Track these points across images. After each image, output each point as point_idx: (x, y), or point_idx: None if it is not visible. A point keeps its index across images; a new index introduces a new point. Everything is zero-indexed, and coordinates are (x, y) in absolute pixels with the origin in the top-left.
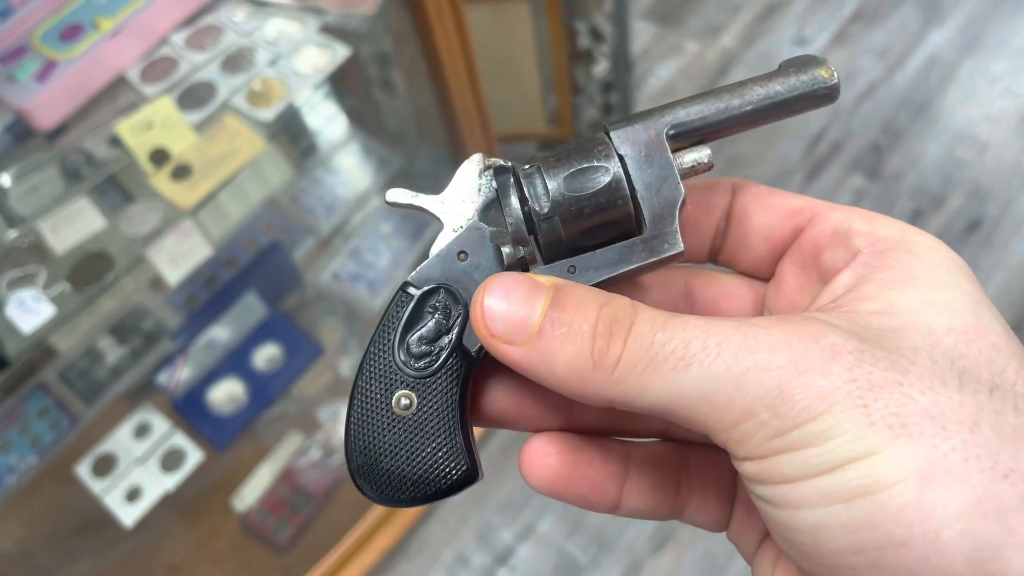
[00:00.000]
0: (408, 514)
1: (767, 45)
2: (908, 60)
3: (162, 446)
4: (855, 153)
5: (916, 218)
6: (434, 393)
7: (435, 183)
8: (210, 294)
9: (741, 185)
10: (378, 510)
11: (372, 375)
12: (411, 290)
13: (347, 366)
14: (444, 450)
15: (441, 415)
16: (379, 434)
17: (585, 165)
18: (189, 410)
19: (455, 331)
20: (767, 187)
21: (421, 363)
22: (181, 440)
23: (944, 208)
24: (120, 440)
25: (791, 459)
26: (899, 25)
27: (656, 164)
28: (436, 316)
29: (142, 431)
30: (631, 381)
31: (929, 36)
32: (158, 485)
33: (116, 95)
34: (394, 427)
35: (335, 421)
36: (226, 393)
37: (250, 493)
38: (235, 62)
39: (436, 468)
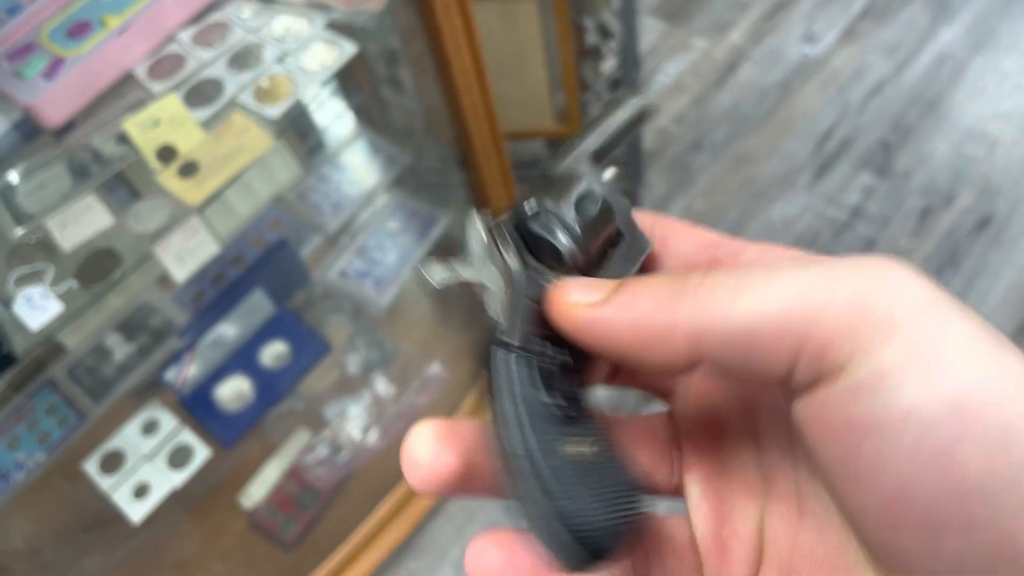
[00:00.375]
0: (416, 511)
1: (776, 42)
2: (917, 57)
3: (170, 443)
4: (864, 151)
5: (925, 216)
6: (593, 424)
7: (441, 180)
8: (217, 291)
9: (661, 219)
10: (385, 506)
11: (539, 440)
12: (512, 347)
13: (354, 363)
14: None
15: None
16: (576, 494)
17: (576, 196)
18: (197, 407)
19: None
20: (686, 223)
21: (569, 403)
22: (189, 437)
23: (953, 206)
24: (128, 437)
25: (859, 365)
26: (908, 22)
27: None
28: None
29: (150, 428)
30: (720, 295)
31: (939, 33)
32: (166, 482)
33: (123, 92)
34: (586, 476)
35: (342, 418)
36: (233, 390)
37: (257, 490)
38: (242, 59)
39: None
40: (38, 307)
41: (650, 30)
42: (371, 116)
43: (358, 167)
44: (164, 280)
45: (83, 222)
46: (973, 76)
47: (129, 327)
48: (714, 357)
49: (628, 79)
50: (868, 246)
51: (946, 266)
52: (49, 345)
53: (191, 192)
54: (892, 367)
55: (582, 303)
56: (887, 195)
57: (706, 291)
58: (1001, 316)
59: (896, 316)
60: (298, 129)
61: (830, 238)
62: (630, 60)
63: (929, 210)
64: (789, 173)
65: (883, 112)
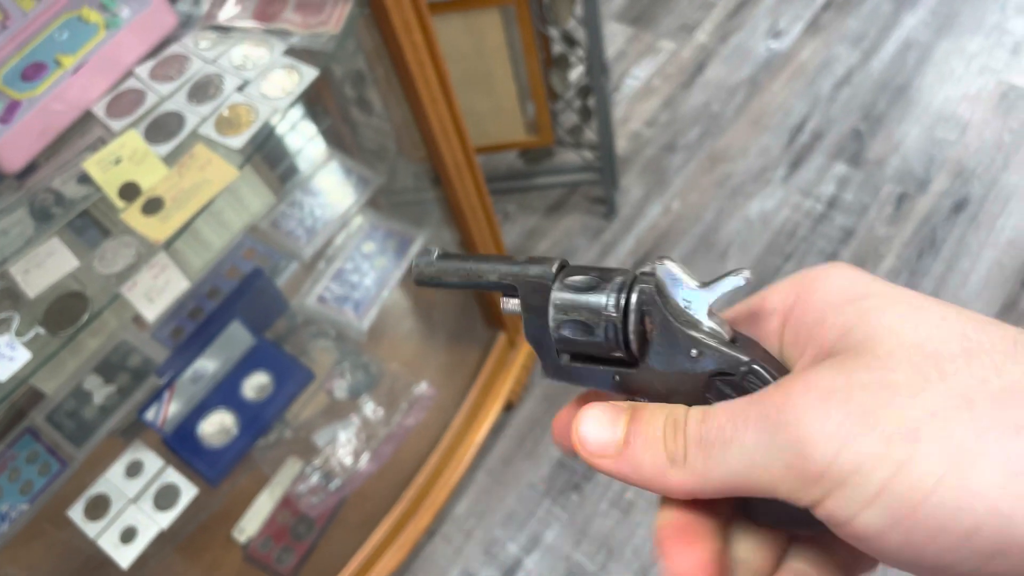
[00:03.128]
0: (412, 533)
1: (742, 39)
2: (883, 45)
3: (155, 484)
4: (836, 141)
5: (902, 202)
6: None
7: (416, 198)
8: (195, 326)
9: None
10: (381, 531)
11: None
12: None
13: (341, 388)
14: None
15: None
16: None
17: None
18: (180, 445)
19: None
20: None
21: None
22: (174, 476)
23: (929, 190)
24: (112, 480)
25: (837, 501)
26: (872, 11)
27: None
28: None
29: (134, 470)
30: (699, 469)
31: (902, 19)
32: (153, 524)
33: (83, 131)
34: None
35: (333, 444)
36: (217, 425)
37: (250, 523)
38: (202, 90)
39: None
40: (5, 357)
41: (617, 35)
42: (341, 138)
43: (331, 190)
44: (140, 318)
45: (47, 266)
46: (939, 60)
47: (107, 368)
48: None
49: (597, 86)
50: (846, 236)
51: (926, 250)
52: (26, 392)
53: (156, 229)
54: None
55: (596, 453)
56: (862, 184)
57: (689, 466)
58: (984, 297)
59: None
60: (268, 156)
61: (808, 231)
62: (597, 67)
63: (905, 196)
64: (764, 168)
65: (853, 102)
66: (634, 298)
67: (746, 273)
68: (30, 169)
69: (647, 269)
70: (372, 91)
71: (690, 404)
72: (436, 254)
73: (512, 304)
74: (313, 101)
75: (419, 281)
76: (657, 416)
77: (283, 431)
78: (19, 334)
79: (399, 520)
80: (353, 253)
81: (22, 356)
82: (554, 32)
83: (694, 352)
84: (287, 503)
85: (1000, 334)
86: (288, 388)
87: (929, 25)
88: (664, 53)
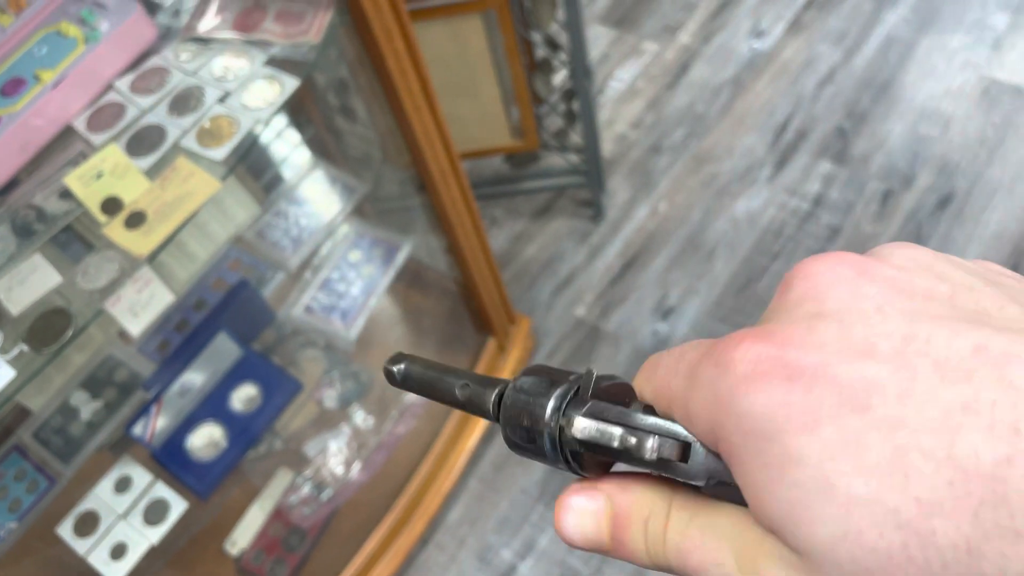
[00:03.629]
0: (406, 542)
1: (725, 39)
2: (865, 42)
3: (144, 499)
4: (821, 139)
5: (887, 199)
6: None
7: (402, 206)
8: (182, 338)
9: None
10: (374, 540)
11: None
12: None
13: (331, 398)
14: None
15: None
16: None
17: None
18: (169, 460)
19: None
20: None
21: None
22: (163, 491)
23: (914, 186)
24: (100, 496)
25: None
26: (853, 9)
27: None
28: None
29: (122, 485)
30: (683, 560)
31: (884, 16)
32: (143, 540)
33: (64, 146)
34: None
35: (323, 454)
36: (205, 439)
37: (242, 536)
38: (183, 102)
39: None
40: None
41: (600, 37)
42: (326, 147)
43: (316, 199)
44: (126, 332)
45: (30, 283)
46: (921, 56)
47: (94, 383)
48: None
49: (581, 89)
50: (833, 234)
51: None
52: (12, 409)
53: (139, 243)
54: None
55: (585, 549)
56: (848, 181)
57: (672, 561)
58: None
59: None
60: (252, 166)
61: (795, 229)
62: (581, 70)
63: (890, 193)
64: (749, 168)
65: (836, 100)
66: (570, 454)
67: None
68: (11, 185)
69: (568, 408)
70: (356, 99)
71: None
72: (406, 361)
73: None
74: (296, 110)
75: (392, 383)
76: (637, 523)
77: (273, 442)
78: (3, 351)
79: (392, 529)
80: (339, 262)
81: (6, 374)
82: (537, 36)
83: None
84: (279, 515)
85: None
86: (277, 399)
87: (910, 22)
88: (648, 55)
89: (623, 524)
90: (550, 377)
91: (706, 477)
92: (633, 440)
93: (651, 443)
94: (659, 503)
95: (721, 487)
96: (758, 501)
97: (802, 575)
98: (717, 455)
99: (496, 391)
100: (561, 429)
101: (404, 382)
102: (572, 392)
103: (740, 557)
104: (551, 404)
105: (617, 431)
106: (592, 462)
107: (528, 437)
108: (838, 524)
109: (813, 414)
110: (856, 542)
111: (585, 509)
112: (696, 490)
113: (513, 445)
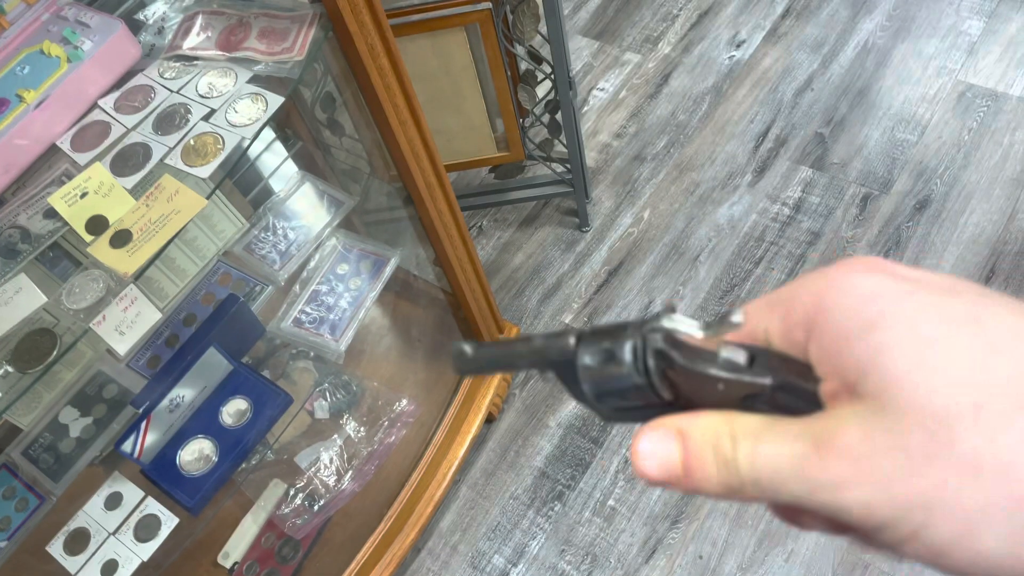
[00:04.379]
0: (399, 550)
1: (704, 49)
2: (842, 50)
3: (135, 515)
4: (800, 146)
5: (866, 203)
6: None
7: (390, 218)
8: (171, 353)
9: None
10: (366, 550)
11: None
12: None
13: (322, 408)
14: None
15: None
16: None
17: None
18: (159, 476)
19: None
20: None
21: None
22: (154, 507)
23: (892, 191)
24: (91, 514)
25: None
26: (830, 17)
27: None
28: None
29: (113, 502)
30: (764, 487)
31: (860, 24)
32: (134, 557)
33: (48, 166)
34: None
35: (315, 465)
36: (196, 454)
37: (235, 548)
38: (168, 121)
39: None
40: None
41: (583, 49)
42: (313, 161)
43: (304, 213)
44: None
45: (15, 304)
46: (897, 63)
47: (83, 400)
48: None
49: (564, 100)
50: (814, 238)
51: (891, 250)
52: (1, 428)
53: (124, 262)
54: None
55: (663, 485)
56: (827, 187)
57: (750, 488)
58: None
59: None
60: (239, 181)
61: (776, 235)
62: (564, 82)
63: (869, 197)
64: (731, 175)
65: (815, 107)
66: (651, 363)
67: (739, 316)
68: None
69: (653, 322)
70: (342, 113)
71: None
72: (471, 350)
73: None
74: (283, 124)
75: (463, 373)
76: (706, 449)
77: (265, 454)
78: None
79: (385, 537)
80: (328, 275)
81: None
82: (520, 49)
83: (720, 387)
84: (271, 526)
85: (1017, 364)
86: (267, 413)
87: (886, 29)
88: (629, 65)
89: (694, 452)
90: (610, 342)
91: (771, 376)
92: (709, 335)
93: (725, 350)
94: (723, 427)
95: (781, 393)
96: (848, 348)
97: (876, 421)
98: (784, 359)
99: (574, 335)
100: (644, 339)
101: (475, 358)
102: (641, 347)
103: (817, 444)
104: (632, 324)
105: (698, 332)
106: (666, 380)
107: (607, 356)
108: (917, 356)
109: (910, 290)
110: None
111: (658, 442)
112: (753, 414)
113: (587, 374)
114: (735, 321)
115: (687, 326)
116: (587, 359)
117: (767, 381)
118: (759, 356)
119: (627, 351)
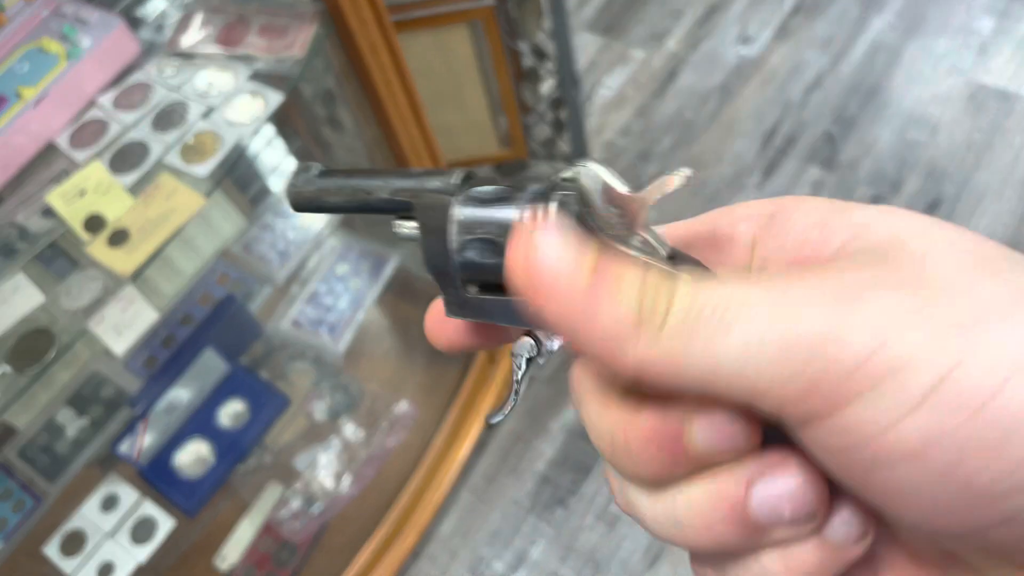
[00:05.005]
0: (398, 555)
1: (712, 46)
2: (852, 48)
3: (131, 517)
4: (809, 145)
5: (876, 204)
6: None
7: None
8: (169, 354)
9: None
10: (365, 554)
11: None
12: None
13: (320, 410)
14: None
15: None
16: None
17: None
18: (156, 477)
19: None
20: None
21: None
22: (151, 509)
23: (902, 191)
24: (87, 515)
25: (867, 404)
26: (840, 14)
27: None
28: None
29: (109, 504)
30: (675, 343)
31: (870, 22)
32: (130, 559)
33: (47, 164)
34: None
35: (313, 468)
36: (193, 455)
37: (232, 551)
38: (167, 119)
39: None
40: None
41: (588, 45)
42: (313, 158)
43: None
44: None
45: (12, 303)
46: (908, 61)
47: (80, 400)
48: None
49: (568, 98)
50: None
51: None
52: None
53: (122, 261)
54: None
55: (547, 285)
56: (836, 187)
57: (665, 335)
58: None
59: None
60: (238, 179)
61: None
62: (568, 79)
63: (879, 198)
64: (738, 174)
65: (824, 105)
66: (553, 208)
67: (686, 171)
68: None
69: (568, 174)
70: (343, 110)
71: None
72: (317, 171)
73: (407, 227)
74: (283, 122)
75: (297, 205)
76: (637, 263)
77: (262, 456)
78: None
79: (383, 542)
80: (327, 275)
81: None
82: (523, 46)
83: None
84: (269, 529)
85: None
86: (264, 414)
87: (896, 27)
88: (635, 62)
89: (619, 259)
90: (511, 184)
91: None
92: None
93: (645, 234)
94: (668, 268)
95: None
96: (837, 221)
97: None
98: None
99: (460, 173)
100: (552, 188)
101: (313, 186)
102: (546, 192)
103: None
104: (527, 205)
105: (622, 186)
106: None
107: (495, 203)
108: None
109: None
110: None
111: (572, 236)
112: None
113: (467, 265)
114: (679, 179)
115: (610, 177)
116: (473, 193)
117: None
118: (679, 256)
119: (528, 192)
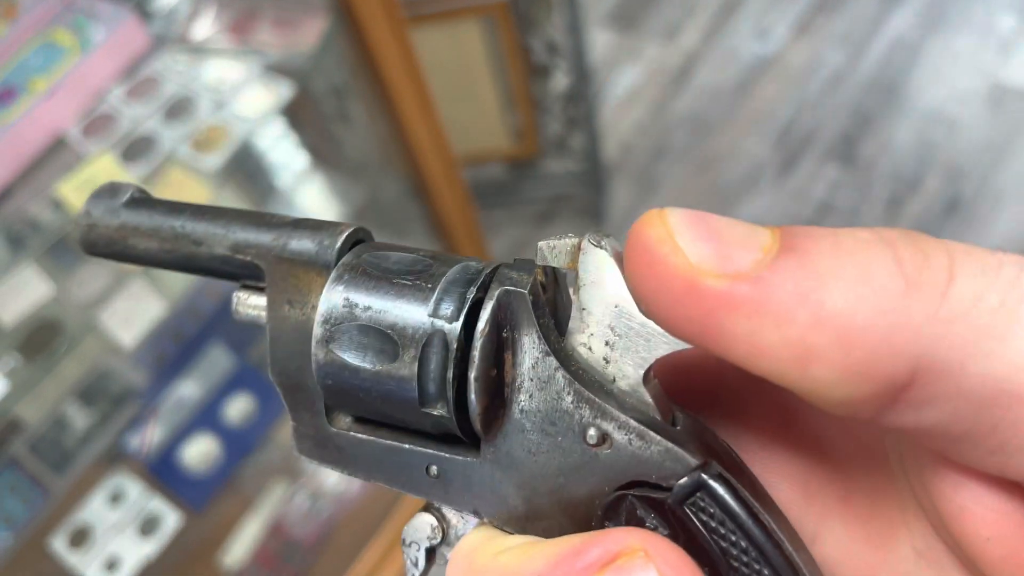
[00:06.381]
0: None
1: (728, 42)
2: (871, 45)
3: (138, 512)
4: (827, 143)
5: (893, 204)
6: None
7: (401, 214)
8: (177, 349)
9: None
10: (372, 553)
11: None
12: None
13: None
14: None
15: None
16: None
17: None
18: (163, 472)
19: None
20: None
21: None
22: (158, 504)
23: (921, 191)
24: (95, 509)
25: None
26: (858, 11)
27: None
28: None
29: (116, 498)
30: (980, 317)
31: (890, 19)
32: (138, 552)
33: (58, 156)
34: None
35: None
36: (200, 451)
37: (238, 549)
38: (177, 111)
39: None
40: None
41: (601, 41)
42: (323, 153)
43: (313, 206)
44: (120, 344)
45: (24, 294)
46: (928, 59)
47: (88, 395)
48: (917, 418)
49: (581, 94)
50: None
51: None
52: (7, 422)
53: None
54: None
55: (713, 269)
56: (853, 186)
57: (955, 306)
58: None
59: None
60: (249, 172)
61: None
62: (581, 74)
63: (896, 197)
64: (753, 172)
65: (842, 103)
66: (488, 304)
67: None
68: (4, 195)
69: (534, 259)
70: (354, 104)
71: (571, 530)
72: (127, 197)
73: (251, 306)
74: (294, 116)
75: (88, 244)
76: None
77: (269, 453)
78: None
79: (392, 540)
80: None
81: (0, 387)
82: (535, 42)
83: (592, 434)
84: (275, 527)
85: None
86: (272, 410)
87: (916, 24)
88: (649, 58)
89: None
90: (429, 258)
91: (698, 468)
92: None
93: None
94: None
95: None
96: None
97: None
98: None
99: (348, 230)
100: (490, 275)
101: (115, 223)
102: (485, 278)
103: None
104: (452, 292)
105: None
106: (490, 383)
107: (383, 347)
108: None
109: None
110: None
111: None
112: None
113: (330, 372)
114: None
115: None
116: (368, 259)
117: (693, 460)
118: (684, 420)
119: (447, 283)
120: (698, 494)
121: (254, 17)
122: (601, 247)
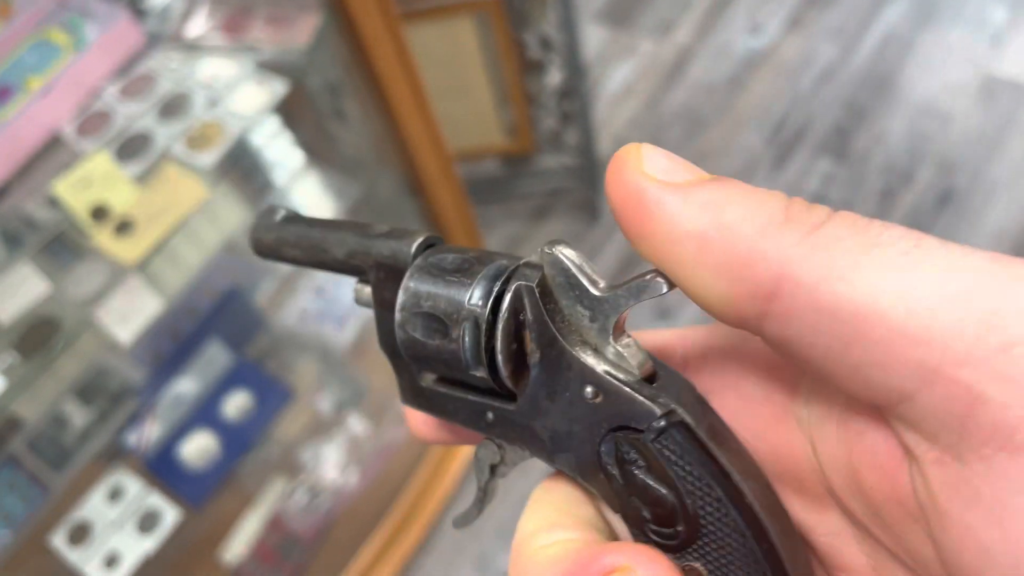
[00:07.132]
0: (404, 549)
1: (721, 37)
2: (864, 38)
3: (137, 508)
4: (820, 137)
5: (886, 196)
6: None
7: (396, 210)
8: (174, 346)
9: None
10: (371, 548)
11: None
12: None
13: (326, 403)
14: None
15: None
16: None
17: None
18: (162, 468)
19: None
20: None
21: None
22: (157, 500)
23: (913, 183)
24: (94, 506)
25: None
26: (851, 4)
27: None
28: None
29: (116, 494)
30: (839, 249)
31: (882, 13)
32: (137, 548)
33: (53, 154)
34: None
35: (318, 461)
36: (198, 447)
37: (238, 544)
38: (172, 109)
39: None
40: None
41: (595, 36)
42: (318, 150)
43: (308, 203)
44: (117, 340)
45: (20, 292)
46: (920, 52)
47: (86, 392)
48: (785, 329)
49: (575, 89)
50: None
51: None
52: (5, 420)
53: (128, 250)
54: None
55: (658, 177)
56: (847, 179)
57: (822, 238)
58: None
59: None
60: (243, 170)
61: None
62: (575, 70)
63: (890, 190)
64: (748, 166)
65: (835, 97)
66: (507, 295)
67: (662, 283)
68: (0, 194)
69: (534, 259)
70: (349, 101)
71: (582, 468)
72: (281, 216)
73: (365, 295)
74: (288, 113)
75: (258, 251)
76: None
77: (268, 449)
78: None
79: (390, 536)
80: None
81: None
82: (529, 37)
83: (589, 391)
84: (274, 523)
85: None
86: (270, 406)
87: (909, 17)
88: (643, 53)
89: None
90: (474, 257)
91: (679, 408)
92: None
93: (621, 343)
94: None
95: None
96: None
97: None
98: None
99: (422, 236)
100: (512, 272)
101: (273, 234)
102: (507, 273)
103: None
104: (483, 283)
105: (592, 286)
106: (514, 352)
107: (439, 328)
108: None
109: None
110: None
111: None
112: None
113: (409, 343)
114: (660, 286)
115: (581, 267)
116: (430, 262)
117: (658, 410)
118: (663, 373)
119: (489, 268)
120: (662, 436)
121: (247, 15)
122: (551, 252)
